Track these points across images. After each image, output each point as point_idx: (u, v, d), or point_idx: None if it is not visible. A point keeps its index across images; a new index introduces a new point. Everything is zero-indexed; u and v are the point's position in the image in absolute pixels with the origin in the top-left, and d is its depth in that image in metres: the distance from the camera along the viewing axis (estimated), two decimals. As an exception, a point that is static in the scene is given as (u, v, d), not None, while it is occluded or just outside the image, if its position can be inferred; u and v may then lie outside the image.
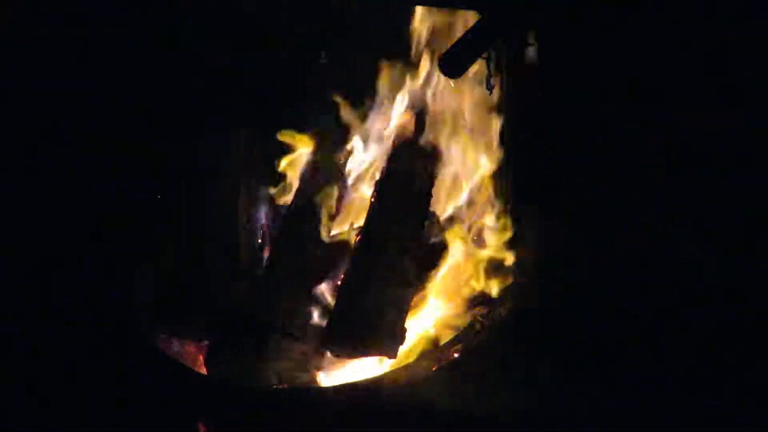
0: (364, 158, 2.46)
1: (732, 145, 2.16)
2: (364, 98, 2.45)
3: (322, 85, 2.48)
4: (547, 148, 2.23)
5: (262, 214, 2.49)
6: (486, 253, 2.28)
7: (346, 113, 2.44)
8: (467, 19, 2.20)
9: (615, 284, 2.13)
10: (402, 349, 2.10)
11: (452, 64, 2.00)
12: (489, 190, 2.35)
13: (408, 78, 2.40)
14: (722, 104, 2.14)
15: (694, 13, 2.11)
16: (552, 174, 2.24)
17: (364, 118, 2.45)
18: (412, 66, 2.39)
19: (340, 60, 2.53)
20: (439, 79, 2.36)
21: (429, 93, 2.38)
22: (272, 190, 2.49)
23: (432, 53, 2.33)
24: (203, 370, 2.18)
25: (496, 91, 2.25)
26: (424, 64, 2.37)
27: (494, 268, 2.26)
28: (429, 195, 2.30)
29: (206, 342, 2.24)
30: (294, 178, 2.47)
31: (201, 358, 2.25)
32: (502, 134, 2.29)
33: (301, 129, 2.48)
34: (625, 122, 2.19)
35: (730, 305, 2.08)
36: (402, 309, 2.13)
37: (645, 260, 2.12)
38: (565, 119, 2.20)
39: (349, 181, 2.46)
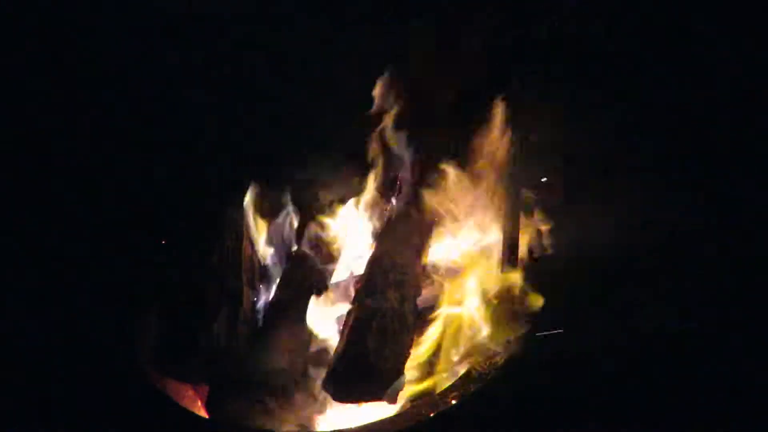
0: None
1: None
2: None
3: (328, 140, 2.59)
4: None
5: (266, 261, 2.55)
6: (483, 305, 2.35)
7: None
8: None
9: (610, 336, 2.20)
10: (401, 395, 2.14)
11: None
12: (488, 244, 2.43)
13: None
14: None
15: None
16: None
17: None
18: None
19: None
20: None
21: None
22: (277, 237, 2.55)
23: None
24: (202, 413, 2.20)
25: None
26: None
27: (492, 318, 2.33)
28: (427, 244, 2.37)
29: (205, 385, 2.26)
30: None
31: (199, 401, 2.28)
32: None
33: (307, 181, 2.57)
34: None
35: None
36: (401, 355, 2.18)
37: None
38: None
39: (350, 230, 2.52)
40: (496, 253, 2.33)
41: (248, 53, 2.67)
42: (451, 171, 2.41)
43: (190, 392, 2.29)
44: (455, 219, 2.47)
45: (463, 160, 2.43)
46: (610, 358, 2.13)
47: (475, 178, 2.41)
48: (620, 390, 2.13)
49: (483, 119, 2.36)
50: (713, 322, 2.18)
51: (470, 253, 2.45)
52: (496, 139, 2.32)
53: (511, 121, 2.26)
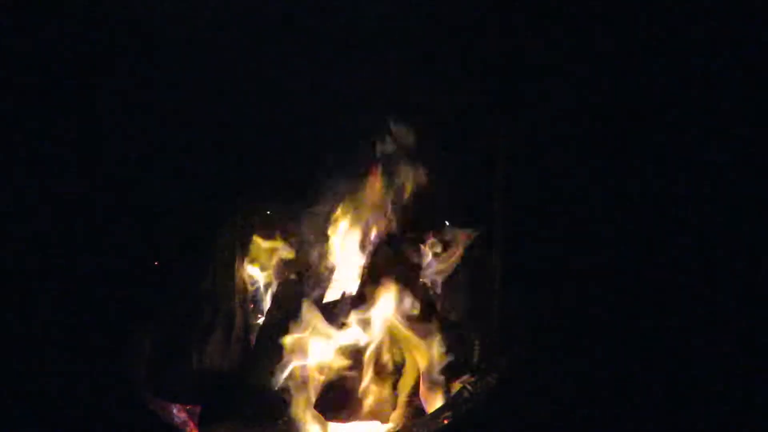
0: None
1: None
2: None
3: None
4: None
5: (258, 283, 2.57)
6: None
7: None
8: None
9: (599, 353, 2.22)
10: (393, 415, 2.15)
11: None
12: None
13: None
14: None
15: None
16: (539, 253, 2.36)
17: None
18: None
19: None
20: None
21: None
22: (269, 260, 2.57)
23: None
24: (195, 434, 2.20)
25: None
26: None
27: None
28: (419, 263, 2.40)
29: (197, 406, 2.26)
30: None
31: (191, 423, 2.27)
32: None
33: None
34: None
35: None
36: (393, 375, 2.19)
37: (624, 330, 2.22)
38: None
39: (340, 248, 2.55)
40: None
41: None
42: None
43: (183, 413, 2.28)
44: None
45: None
46: (603, 380, 2.15)
47: None
48: (613, 411, 2.15)
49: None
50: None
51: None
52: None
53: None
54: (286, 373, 2.26)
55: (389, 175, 2.55)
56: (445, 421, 2.14)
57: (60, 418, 2.10)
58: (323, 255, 2.60)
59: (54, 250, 2.38)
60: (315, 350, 2.35)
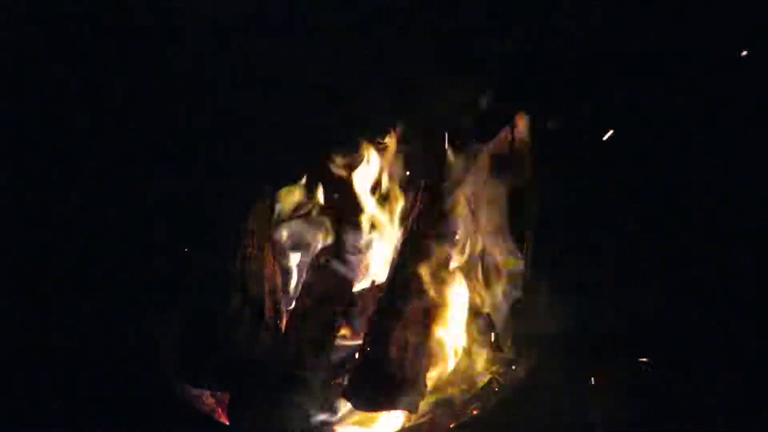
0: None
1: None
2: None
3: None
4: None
5: (289, 267, 2.56)
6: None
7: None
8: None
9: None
10: (421, 405, 2.13)
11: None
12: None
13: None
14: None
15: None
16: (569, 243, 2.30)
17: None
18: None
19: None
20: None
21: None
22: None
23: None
24: (222, 421, 2.21)
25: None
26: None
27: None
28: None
29: (226, 392, 2.27)
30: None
31: (219, 409, 2.28)
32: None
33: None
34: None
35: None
36: (422, 365, 2.16)
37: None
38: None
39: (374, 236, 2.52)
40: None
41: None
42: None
43: (211, 400, 2.30)
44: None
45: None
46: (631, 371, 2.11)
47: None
48: (643, 405, 2.11)
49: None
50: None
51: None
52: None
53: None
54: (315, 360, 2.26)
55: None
56: (474, 413, 2.12)
57: (90, 406, 2.13)
58: (356, 240, 2.58)
59: (81, 241, 2.41)
60: (345, 336, 2.36)
